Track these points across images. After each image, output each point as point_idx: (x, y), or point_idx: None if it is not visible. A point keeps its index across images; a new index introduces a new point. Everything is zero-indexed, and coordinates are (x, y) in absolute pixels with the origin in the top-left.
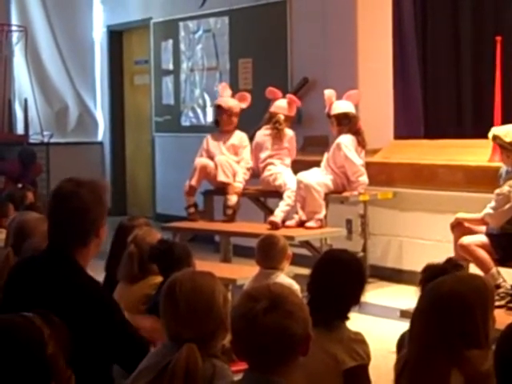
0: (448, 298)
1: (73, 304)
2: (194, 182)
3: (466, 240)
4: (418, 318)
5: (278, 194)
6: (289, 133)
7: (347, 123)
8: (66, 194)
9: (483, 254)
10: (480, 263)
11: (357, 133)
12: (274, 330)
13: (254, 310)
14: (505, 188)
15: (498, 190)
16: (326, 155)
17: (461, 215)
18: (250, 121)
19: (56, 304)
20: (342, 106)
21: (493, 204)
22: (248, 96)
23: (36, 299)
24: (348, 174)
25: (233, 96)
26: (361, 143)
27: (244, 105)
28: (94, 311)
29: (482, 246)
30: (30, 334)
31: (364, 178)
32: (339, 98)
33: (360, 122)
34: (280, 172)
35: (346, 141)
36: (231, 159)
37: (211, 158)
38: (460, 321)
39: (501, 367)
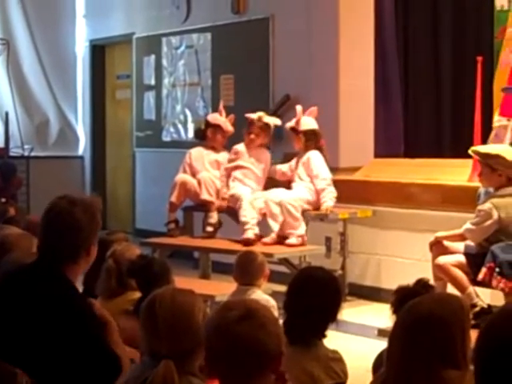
0: (426, 318)
1: (53, 315)
2: (173, 198)
3: (442, 260)
4: (396, 338)
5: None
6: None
7: (314, 139)
8: (59, 210)
9: (459, 274)
10: (456, 283)
11: (320, 149)
12: (246, 340)
13: (227, 318)
14: (486, 205)
15: (479, 207)
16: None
17: (440, 234)
18: (230, 137)
19: (39, 315)
20: (310, 122)
21: (474, 220)
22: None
23: (20, 311)
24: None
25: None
26: (325, 159)
27: (231, 128)
28: (71, 323)
29: (459, 266)
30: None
31: (333, 189)
32: (321, 114)
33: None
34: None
35: (317, 155)
36: (213, 174)
37: (194, 173)
38: (438, 341)
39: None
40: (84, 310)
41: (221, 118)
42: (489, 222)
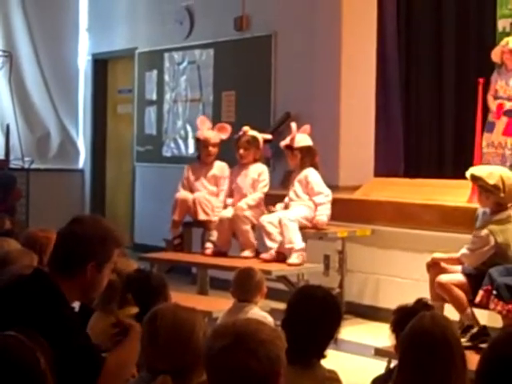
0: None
1: (38, 324)
2: (176, 216)
3: (444, 278)
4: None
5: None
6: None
7: (309, 156)
8: (64, 227)
9: (460, 294)
10: (456, 303)
11: (316, 166)
12: (237, 369)
13: (216, 347)
14: (483, 231)
15: (476, 232)
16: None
17: (437, 255)
18: (233, 153)
19: (25, 323)
20: (305, 139)
21: (470, 245)
22: (228, 127)
23: (8, 320)
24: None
25: (213, 128)
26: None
27: (224, 135)
28: (55, 331)
29: (459, 286)
30: (24, 353)
31: (330, 206)
32: (322, 133)
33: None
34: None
35: (314, 173)
36: (211, 191)
37: (192, 189)
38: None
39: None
40: (67, 322)
41: (206, 132)
42: (486, 248)
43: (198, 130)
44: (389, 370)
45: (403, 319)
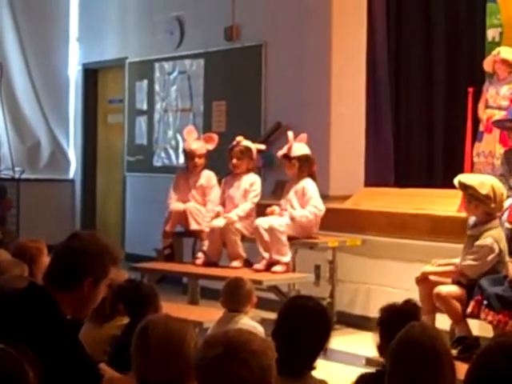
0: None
1: (39, 342)
2: (168, 227)
3: (444, 290)
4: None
5: None
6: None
7: (307, 165)
8: (63, 242)
9: (457, 305)
10: (453, 314)
11: (313, 176)
12: (227, 379)
13: (208, 357)
14: (488, 240)
15: (479, 242)
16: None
17: (428, 269)
18: (222, 163)
19: (22, 336)
20: (303, 148)
21: (475, 256)
22: (215, 137)
23: (5, 332)
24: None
25: (200, 138)
26: (317, 186)
27: (211, 146)
28: (59, 351)
29: (457, 297)
30: (12, 366)
31: (312, 218)
32: (312, 142)
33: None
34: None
35: (312, 185)
36: (199, 201)
37: (182, 198)
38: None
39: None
40: (66, 335)
41: (192, 143)
42: (491, 257)
43: (184, 141)
44: (379, 371)
45: (390, 318)
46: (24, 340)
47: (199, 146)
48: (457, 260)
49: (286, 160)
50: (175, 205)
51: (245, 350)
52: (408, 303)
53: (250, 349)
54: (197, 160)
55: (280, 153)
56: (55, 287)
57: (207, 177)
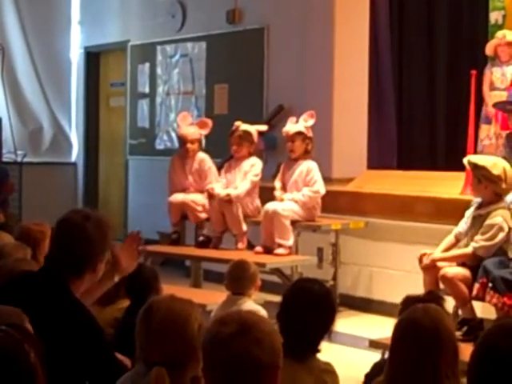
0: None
1: (59, 325)
2: (173, 219)
3: (451, 272)
4: (401, 350)
5: None
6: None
7: (312, 146)
8: (72, 224)
9: (463, 288)
10: (459, 297)
11: (312, 158)
12: (241, 356)
13: (221, 333)
14: (498, 218)
15: (490, 221)
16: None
17: (437, 255)
18: (224, 147)
19: (42, 323)
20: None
21: (485, 236)
22: (208, 122)
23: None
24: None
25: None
26: None
27: (204, 131)
28: (82, 333)
29: (463, 280)
30: (13, 347)
31: (308, 201)
32: (315, 125)
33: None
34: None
35: (317, 168)
36: (197, 186)
37: (181, 184)
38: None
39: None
40: (90, 320)
41: (185, 129)
42: (501, 235)
43: (178, 127)
44: (378, 365)
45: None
46: (40, 321)
47: (191, 131)
48: (451, 237)
49: (299, 137)
50: (173, 196)
51: (258, 330)
52: (431, 294)
53: (263, 329)
54: (189, 145)
55: (296, 128)
56: (67, 273)
57: (199, 160)
